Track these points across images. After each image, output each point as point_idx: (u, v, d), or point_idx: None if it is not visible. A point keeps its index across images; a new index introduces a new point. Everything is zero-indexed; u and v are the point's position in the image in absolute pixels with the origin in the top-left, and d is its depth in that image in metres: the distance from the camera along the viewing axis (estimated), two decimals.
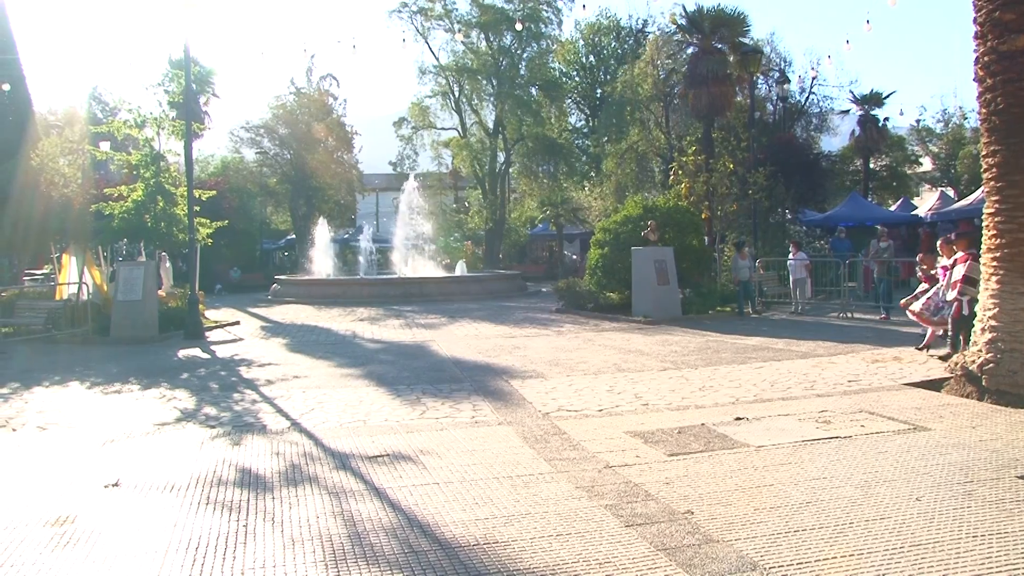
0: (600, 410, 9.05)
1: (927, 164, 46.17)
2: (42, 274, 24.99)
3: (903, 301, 13.68)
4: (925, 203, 35.58)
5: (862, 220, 30.22)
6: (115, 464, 7.01)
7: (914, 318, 13.19)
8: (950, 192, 38.10)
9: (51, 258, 21.62)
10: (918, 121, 44.86)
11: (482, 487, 6.06)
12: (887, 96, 41.04)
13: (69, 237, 20.36)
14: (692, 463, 6.60)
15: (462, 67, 45.23)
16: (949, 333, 12.30)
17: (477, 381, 11.25)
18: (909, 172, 46.38)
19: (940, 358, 11.82)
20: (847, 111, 42.57)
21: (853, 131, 41.82)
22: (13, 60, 28.94)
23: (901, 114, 44.28)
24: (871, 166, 42.25)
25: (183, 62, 20.62)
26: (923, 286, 13.77)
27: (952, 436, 7.21)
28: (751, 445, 7.13)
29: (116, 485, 6.34)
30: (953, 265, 12.01)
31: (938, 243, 13.71)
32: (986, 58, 9.25)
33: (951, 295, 11.98)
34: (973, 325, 10.65)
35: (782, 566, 4.40)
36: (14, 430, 8.66)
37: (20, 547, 4.99)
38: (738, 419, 8.23)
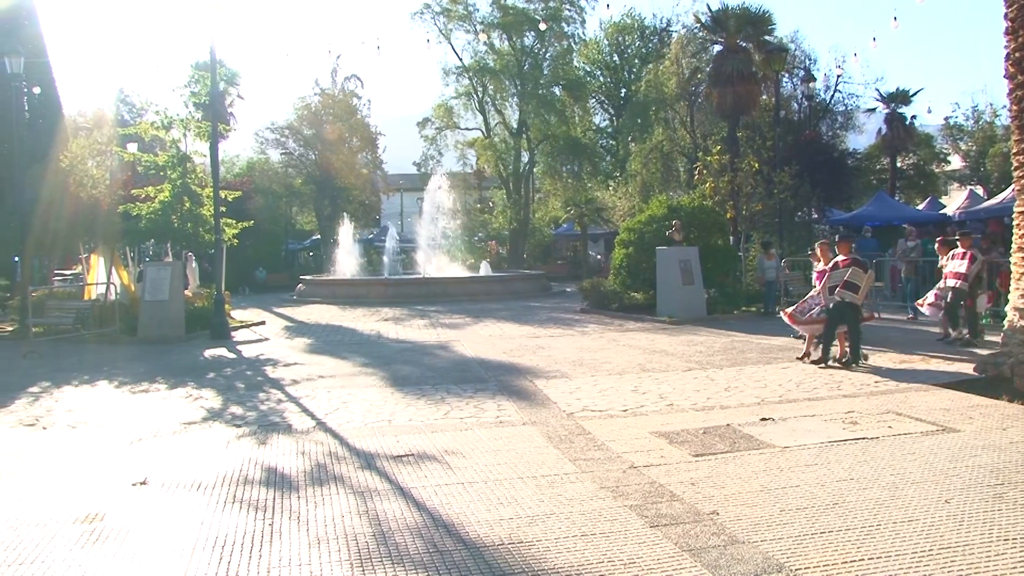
0: (625, 410, 9.02)
1: (956, 162, 45.59)
2: (71, 274, 25.29)
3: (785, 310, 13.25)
4: (954, 202, 35.14)
5: (889, 219, 29.91)
6: (143, 463, 7.08)
7: (788, 322, 12.80)
8: (979, 191, 37.58)
9: (80, 258, 21.85)
10: (947, 119, 44.32)
11: (507, 487, 6.06)
12: (914, 93, 40.65)
13: (97, 238, 20.56)
14: (717, 464, 6.57)
15: (485, 67, 45.30)
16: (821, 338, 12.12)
17: (501, 381, 11.25)
18: (937, 170, 45.83)
19: (813, 362, 11.82)
20: (873, 109, 42.15)
21: (880, 129, 41.41)
22: (44, 64, 29.30)
23: (929, 112, 43.61)
24: (898, 165, 41.81)
25: (209, 64, 20.76)
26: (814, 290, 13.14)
27: (982, 438, 7.12)
28: (777, 446, 7.08)
29: (144, 483, 6.40)
30: (833, 268, 11.83)
31: (817, 245, 13.79)
32: (1017, 54, 9.14)
33: (824, 299, 11.85)
34: (858, 331, 11.64)
35: (808, 568, 4.37)
36: (45, 428, 8.76)
37: (51, 543, 5.05)
38: (764, 420, 8.17)
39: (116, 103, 47.27)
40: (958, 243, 14.02)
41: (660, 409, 9.03)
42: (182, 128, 20.82)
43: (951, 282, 13.57)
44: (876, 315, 12.80)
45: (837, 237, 13.98)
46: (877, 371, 11.07)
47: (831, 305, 11.65)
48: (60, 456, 7.54)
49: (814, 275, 13.16)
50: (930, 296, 14.12)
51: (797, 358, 12.37)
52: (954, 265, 13.65)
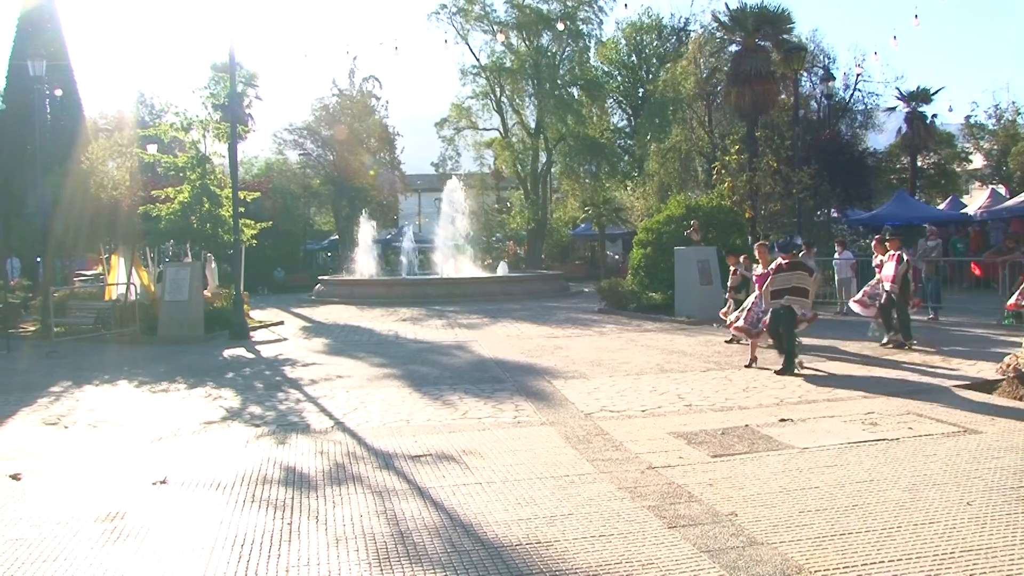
0: (643, 411, 9.01)
1: (978, 161, 45.13)
2: (92, 275, 25.50)
3: (728, 315, 12.90)
4: (975, 201, 34.82)
5: (909, 219, 29.68)
6: (163, 462, 7.13)
7: (734, 331, 12.59)
8: (1001, 189, 37.21)
9: (100, 259, 22.03)
10: (968, 117, 43.87)
11: (525, 487, 6.06)
12: (935, 92, 40.23)
13: (118, 239, 20.73)
14: (736, 464, 6.55)
15: (502, 67, 45.29)
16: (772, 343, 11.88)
17: (519, 381, 11.25)
18: (958, 169, 45.39)
19: (777, 372, 11.18)
20: (893, 108, 41.80)
21: (900, 128, 41.03)
22: (65, 66, 29.59)
23: (950, 110, 42.98)
24: (919, 164, 41.44)
25: (228, 65, 20.89)
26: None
27: (1005, 439, 7.06)
28: (796, 447, 7.05)
29: (164, 482, 6.44)
30: (777, 270, 11.36)
31: (756, 247, 13.57)
32: None
33: (766, 303, 11.49)
34: (792, 337, 11.27)
35: (827, 570, 4.34)
36: (66, 427, 8.84)
37: (73, 541, 5.10)
38: (782, 420, 8.13)
39: (136, 105, 47.54)
40: (887, 244, 14.15)
41: (678, 410, 9.01)
42: (201, 129, 20.94)
43: (885, 285, 13.63)
44: (818, 315, 12.47)
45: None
46: (815, 379, 10.77)
47: (772, 310, 11.27)
48: (81, 455, 7.61)
49: (753, 278, 12.58)
50: (859, 294, 14.43)
51: (745, 366, 11.88)
52: (887, 268, 13.72)
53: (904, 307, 13.52)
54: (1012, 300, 12.97)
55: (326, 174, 46.02)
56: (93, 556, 4.85)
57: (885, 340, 13.76)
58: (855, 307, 14.55)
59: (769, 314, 11.35)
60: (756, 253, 12.86)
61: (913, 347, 13.27)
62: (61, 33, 30.78)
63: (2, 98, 31.66)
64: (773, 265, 11.49)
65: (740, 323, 12.13)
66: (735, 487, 5.91)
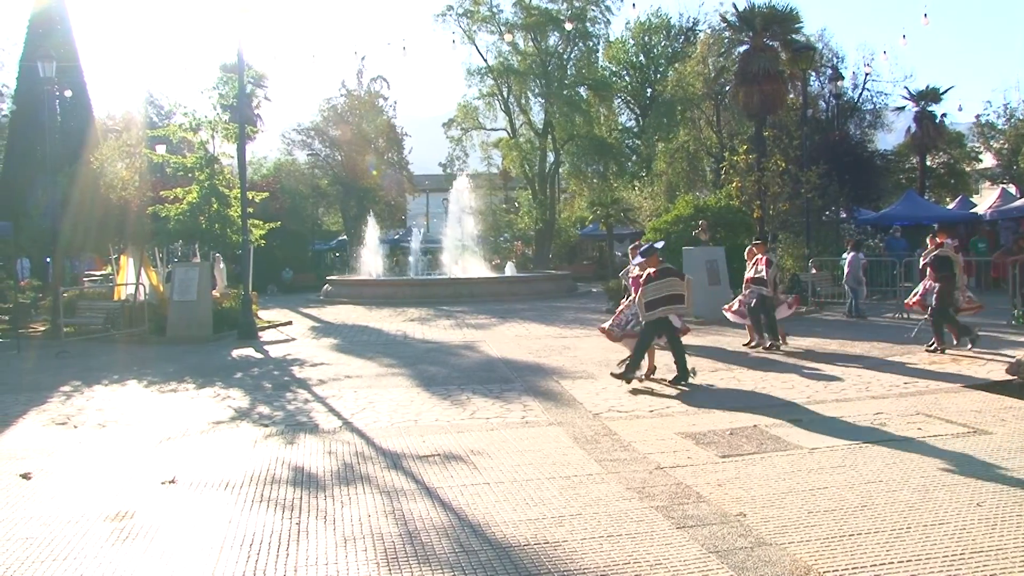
0: (651, 411, 8.99)
1: (988, 160, 44.93)
2: (101, 275, 25.58)
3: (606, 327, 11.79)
4: (985, 201, 34.67)
5: (918, 219, 29.57)
6: (172, 461, 7.15)
7: (607, 338, 11.65)
8: (1012, 189, 37.04)
9: (110, 259, 22.11)
10: (978, 116, 43.66)
11: (533, 487, 6.06)
12: (945, 91, 40.08)
13: (127, 239, 20.78)
14: (744, 465, 6.53)
15: (509, 68, 45.35)
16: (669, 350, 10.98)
17: (527, 381, 11.24)
18: (968, 169, 45.21)
19: (615, 375, 10.67)
20: (902, 107, 41.66)
21: (909, 128, 40.90)
22: (74, 67, 29.72)
23: (960, 109, 42.84)
24: (928, 163, 41.30)
25: (236, 66, 20.93)
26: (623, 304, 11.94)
27: (1015, 440, 7.02)
28: (805, 447, 7.03)
29: (173, 482, 6.46)
30: (647, 280, 10.70)
31: (629, 248, 13.26)
32: None
33: (641, 313, 10.73)
34: (679, 344, 10.73)
35: (837, 570, 4.33)
36: (76, 427, 8.87)
37: (82, 540, 5.12)
38: (792, 420, 8.11)
39: (145, 105, 47.77)
40: (753, 248, 14.32)
41: (686, 410, 8.99)
42: (210, 130, 21.00)
43: (754, 288, 13.77)
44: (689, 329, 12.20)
45: (638, 242, 12.64)
46: (706, 388, 10.32)
47: (647, 320, 10.59)
48: (91, 454, 7.63)
49: (628, 281, 11.84)
50: (735, 303, 14.32)
51: (612, 374, 10.92)
52: (753, 272, 13.87)
53: (773, 309, 13.69)
54: (911, 300, 13.74)
55: (334, 174, 46.10)
56: (102, 555, 4.87)
57: (755, 343, 13.89)
58: (729, 316, 14.48)
59: (644, 323, 10.66)
60: (629, 254, 12.22)
61: (779, 348, 13.58)
62: (71, 34, 30.95)
63: (12, 99, 31.87)
64: (638, 273, 10.97)
65: (606, 325, 11.49)
66: (744, 488, 5.90)
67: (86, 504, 5.93)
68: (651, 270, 10.74)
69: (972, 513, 5.15)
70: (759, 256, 13.88)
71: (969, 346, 12.55)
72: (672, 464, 6.60)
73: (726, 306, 14.67)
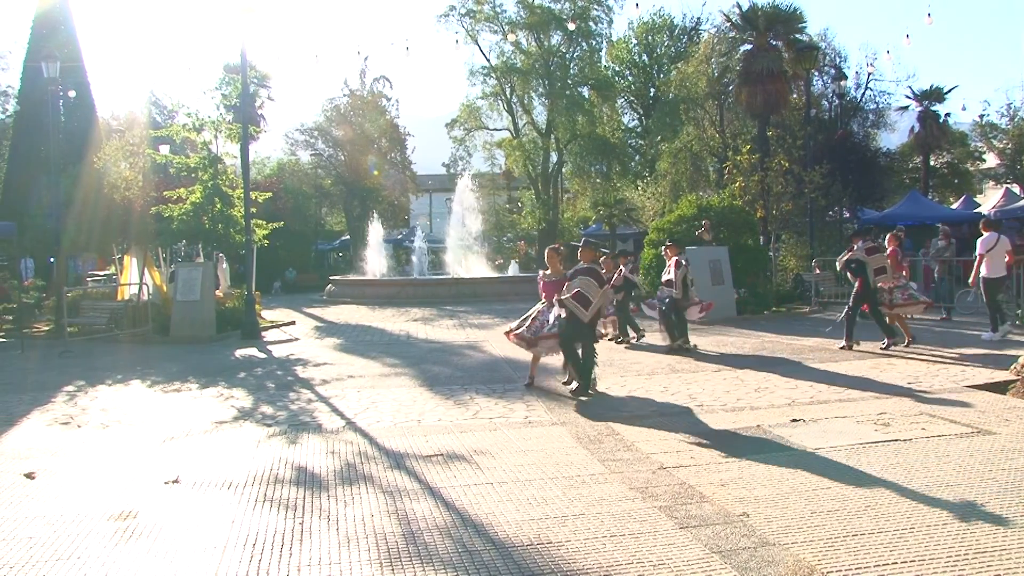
0: (652, 411, 8.98)
1: (992, 160, 44.86)
2: (105, 275, 25.62)
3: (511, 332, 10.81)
4: (989, 200, 34.61)
5: (922, 219, 29.53)
6: (175, 461, 7.15)
7: (516, 343, 10.82)
8: (1016, 188, 36.97)
9: (113, 259, 22.15)
10: (981, 116, 43.62)
11: (536, 487, 6.06)
12: (948, 91, 40.06)
13: (130, 239, 20.83)
14: (747, 465, 6.52)
15: (512, 68, 45.37)
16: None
17: None
18: (972, 169, 45.14)
19: (564, 383, 10.47)
20: (906, 107, 41.61)
21: (912, 127, 40.87)
22: (78, 68, 29.79)
23: (964, 109, 42.68)
24: (931, 163, 41.25)
25: (239, 66, 20.96)
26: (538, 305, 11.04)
27: (1018, 440, 7.00)
28: (808, 447, 7.02)
29: (176, 482, 6.47)
30: (572, 277, 10.16)
31: (547, 251, 12.10)
32: None
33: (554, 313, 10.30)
34: (592, 353, 10.12)
35: (840, 571, 4.32)
36: (79, 427, 8.88)
37: (86, 540, 5.13)
38: (794, 421, 8.10)
39: (148, 105, 47.79)
40: (667, 250, 14.62)
41: (688, 410, 8.98)
42: (213, 130, 21.04)
43: (665, 291, 14.25)
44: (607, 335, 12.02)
45: (583, 242, 11.12)
46: (607, 400, 9.80)
47: (559, 320, 10.17)
48: (94, 454, 7.64)
49: (539, 285, 10.98)
50: (653, 301, 15.23)
51: (525, 384, 10.82)
52: (664, 273, 14.42)
53: (683, 311, 13.98)
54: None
55: (337, 174, 46.12)
56: (106, 555, 4.87)
57: (671, 344, 14.01)
58: (646, 309, 15.85)
59: (559, 324, 10.19)
60: (546, 257, 11.05)
61: (685, 346, 13.85)
62: (75, 35, 31.05)
63: (16, 99, 31.93)
64: (571, 272, 10.31)
65: (521, 331, 10.56)
66: (747, 487, 5.89)
67: (90, 504, 5.93)
68: (580, 266, 10.24)
69: (976, 513, 5.14)
70: (673, 258, 14.15)
71: (900, 346, 13.11)
72: (675, 464, 6.60)
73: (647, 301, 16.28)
